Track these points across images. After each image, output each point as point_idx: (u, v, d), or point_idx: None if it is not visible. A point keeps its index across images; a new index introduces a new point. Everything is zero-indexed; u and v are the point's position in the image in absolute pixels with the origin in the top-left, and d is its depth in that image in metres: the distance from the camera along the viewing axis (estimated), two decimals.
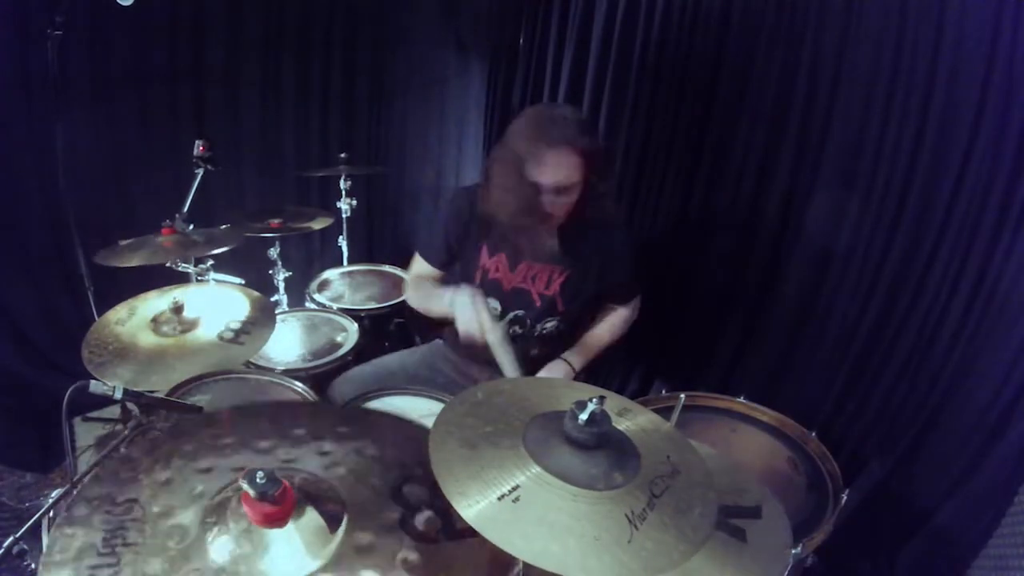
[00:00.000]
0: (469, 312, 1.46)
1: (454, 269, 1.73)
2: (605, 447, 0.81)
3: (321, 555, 0.71)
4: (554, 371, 1.62)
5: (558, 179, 1.43)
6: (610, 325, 1.74)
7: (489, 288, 1.63)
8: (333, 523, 0.74)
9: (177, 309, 1.37)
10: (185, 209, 1.98)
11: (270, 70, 2.81)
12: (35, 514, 0.94)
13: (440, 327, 1.79)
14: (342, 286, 2.40)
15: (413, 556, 0.72)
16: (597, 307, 1.76)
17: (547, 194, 1.45)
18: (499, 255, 1.63)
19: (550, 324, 1.65)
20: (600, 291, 1.68)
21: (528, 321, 1.64)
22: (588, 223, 1.57)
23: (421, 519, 0.77)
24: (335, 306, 2.17)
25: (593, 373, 1.98)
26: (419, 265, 1.74)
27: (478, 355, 1.71)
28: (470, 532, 0.71)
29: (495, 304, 1.65)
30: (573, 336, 1.72)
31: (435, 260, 1.70)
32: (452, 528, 0.76)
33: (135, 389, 1.09)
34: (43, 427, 2.05)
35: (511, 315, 1.65)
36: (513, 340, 1.65)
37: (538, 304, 1.63)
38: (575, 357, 1.65)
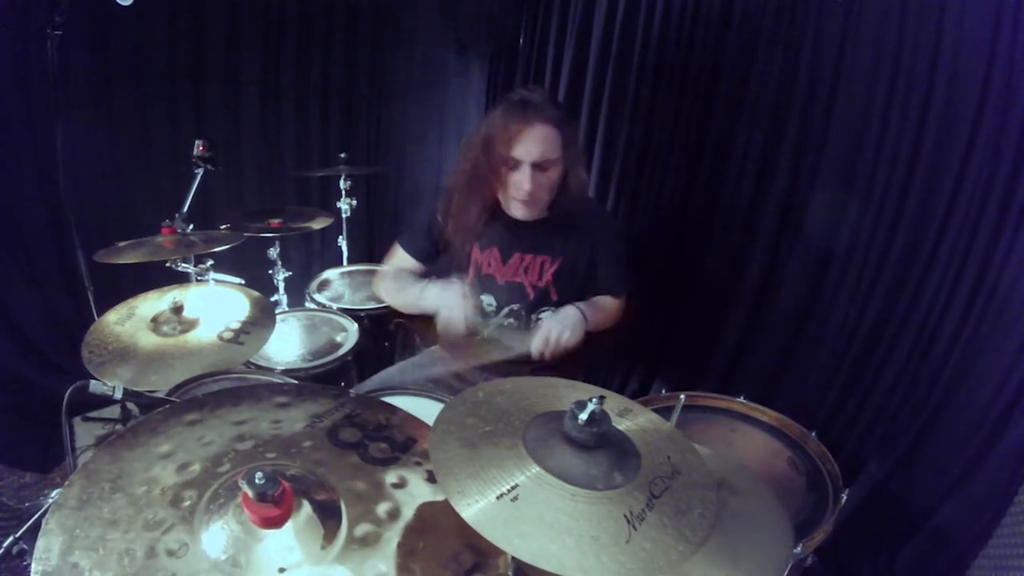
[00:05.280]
0: (456, 307, 1.45)
1: (433, 264, 1.71)
2: (605, 447, 0.81)
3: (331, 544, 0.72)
4: (566, 312, 1.55)
5: (542, 152, 1.45)
6: (603, 304, 1.68)
7: (484, 284, 1.63)
8: (332, 516, 0.75)
9: (177, 309, 1.37)
10: (185, 209, 1.99)
11: (270, 70, 2.82)
12: (35, 514, 0.94)
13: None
14: (342, 286, 2.40)
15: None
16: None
17: (531, 171, 1.47)
18: (491, 250, 1.63)
19: (545, 315, 1.65)
20: (593, 279, 1.67)
21: (523, 313, 1.65)
22: (575, 211, 1.58)
23: (375, 449, 0.87)
24: (335, 306, 2.17)
25: (593, 373, 1.99)
26: (399, 257, 1.71)
27: (473, 357, 1.71)
28: (412, 440, 0.89)
29: (491, 301, 1.65)
30: None
31: (417, 252, 1.68)
32: (400, 444, 0.89)
33: (135, 389, 1.09)
34: (43, 427, 2.05)
35: (507, 309, 1.65)
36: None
37: (531, 296, 1.63)
38: (586, 308, 1.58)
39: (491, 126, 1.50)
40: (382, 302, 2.22)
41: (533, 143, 1.44)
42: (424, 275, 1.71)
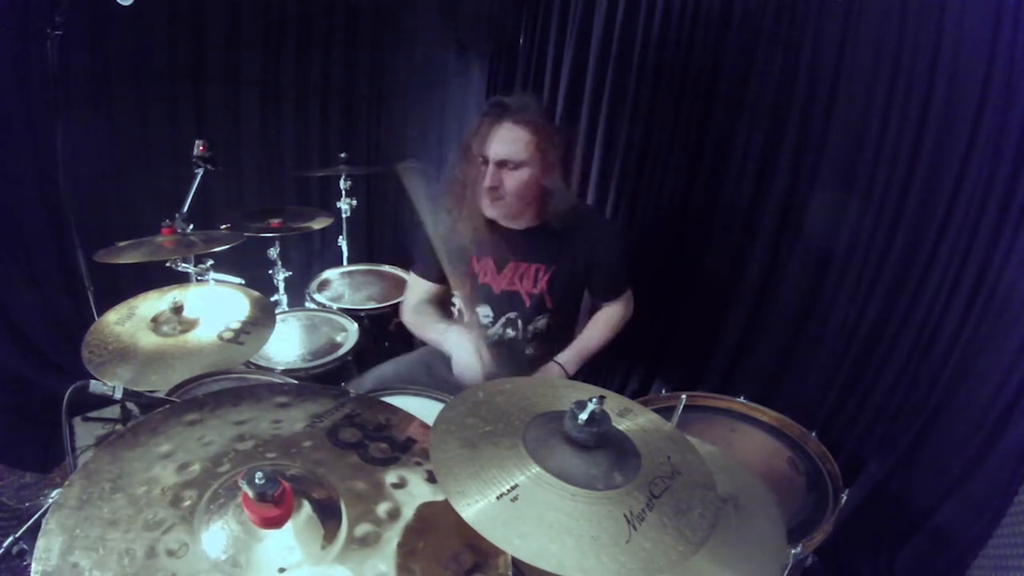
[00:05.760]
0: (469, 357, 1.46)
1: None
2: (605, 447, 0.81)
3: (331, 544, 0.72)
4: (546, 374, 1.61)
5: (506, 151, 1.46)
6: (603, 323, 1.72)
7: (480, 293, 1.63)
8: (332, 516, 0.75)
9: (177, 309, 1.37)
10: (185, 209, 1.99)
11: (270, 70, 2.82)
12: (35, 514, 0.94)
13: None
14: (342, 286, 2.40)
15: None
16: (590, 305, 1.76)
17: (494, 169, 1.48)
18: (486, 259, 1.63)
19: (541, 322, 1.65)
20: (588, 285, 1.68)
21: (519, 322, 1.65)
22: (569, 217, 1.59)
23: (375, 449, 0.87)
24: (335, 306, 2.17)
25: (593, 373, 1.98)
26: (418, 285, 1.73)
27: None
28: (412, 440, 0.89)
29: (487, 311, 1.65)
30: (565, 332, 1.72)
31: (432, 276, 1.69)
32: (400, 444, 0.89)
33: (135, 389, 1.09)
34: (43, 427, 2.05)
35: (503, 319, 1.65)
36: (507, 343, 1.66)
37: (527, 303, 1.63)
38: (568, 358, 1.64)
39: (471, 130, 1.52)
40: (382, 302, 2.23)
41: (497, 141, 1.46)
42: (446, 295, 1.74)
